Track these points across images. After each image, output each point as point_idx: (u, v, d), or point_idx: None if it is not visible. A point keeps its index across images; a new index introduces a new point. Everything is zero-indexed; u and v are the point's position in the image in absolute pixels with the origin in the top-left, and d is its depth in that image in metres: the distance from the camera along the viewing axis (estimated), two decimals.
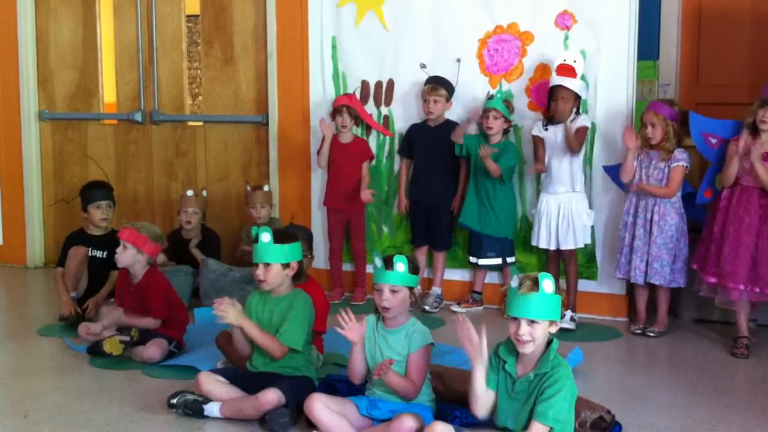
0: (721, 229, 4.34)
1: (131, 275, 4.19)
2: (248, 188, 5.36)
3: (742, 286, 4.24)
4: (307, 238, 4.21)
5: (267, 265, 3.45)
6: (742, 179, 4.32)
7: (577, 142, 4.62)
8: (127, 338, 4.08)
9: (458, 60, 5.10)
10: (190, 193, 5.40)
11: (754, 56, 5.77)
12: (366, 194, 5.14)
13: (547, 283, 2.73)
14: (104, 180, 5.60)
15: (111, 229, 5.04)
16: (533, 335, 2.73)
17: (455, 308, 5.08)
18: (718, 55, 5.99)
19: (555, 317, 2.77)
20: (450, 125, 5.07)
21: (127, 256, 4.13)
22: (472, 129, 5.00)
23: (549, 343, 2.81)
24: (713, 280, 4.34)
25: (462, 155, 5.00)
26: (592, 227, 4.83)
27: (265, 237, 3.44)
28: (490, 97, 4.97)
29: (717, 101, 6.10)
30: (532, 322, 2.73)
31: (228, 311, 3.39)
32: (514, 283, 2.79)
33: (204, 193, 5.52)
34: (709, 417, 3.47)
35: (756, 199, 4.29)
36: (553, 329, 2.79)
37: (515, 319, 2.76)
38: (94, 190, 5.11)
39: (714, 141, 4.57)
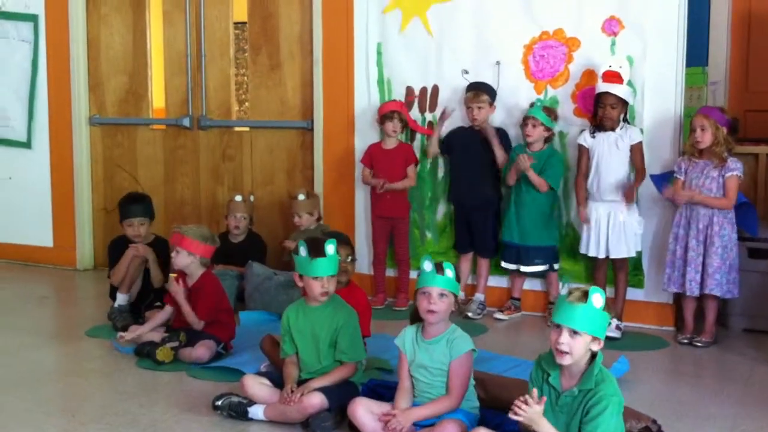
0: None
1: (188, 277, 4.28)
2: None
3: None
4: (346, 242, 4.21)
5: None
6: None
7: (638, 173, 4.64)
8: (176, 343, 4.13)
9: (497, 63, 5.09)
10: (238, 198, 5.45)
11: None
12: (386, 182, 5.16)
13: (597, 298, 2.65)
14: (140, 191, 5.42)
15: (154, 236, 4.98)
16: (572, 347, 2.65)
17: (498, 315, 5.07)
18: None
19: (599, 334, 2.68)
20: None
21: (180, 259, 4.24)
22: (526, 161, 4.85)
23: (594, 356, 2.73)
24: None
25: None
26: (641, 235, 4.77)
27: (302, 252, 3.45)
28: (531, 105, 4.96)
29: (766, 108, 6.01)
30: (575, 333, 2.65)
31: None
32: (564, 291, 2.74)
33: (251, 198, 5.58)
34: (756, 429, 3.40)
35: None
36: (595, 347, 2.70)
37: (558, 326, 2.69)
38: (131, 206, 4.89)
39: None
